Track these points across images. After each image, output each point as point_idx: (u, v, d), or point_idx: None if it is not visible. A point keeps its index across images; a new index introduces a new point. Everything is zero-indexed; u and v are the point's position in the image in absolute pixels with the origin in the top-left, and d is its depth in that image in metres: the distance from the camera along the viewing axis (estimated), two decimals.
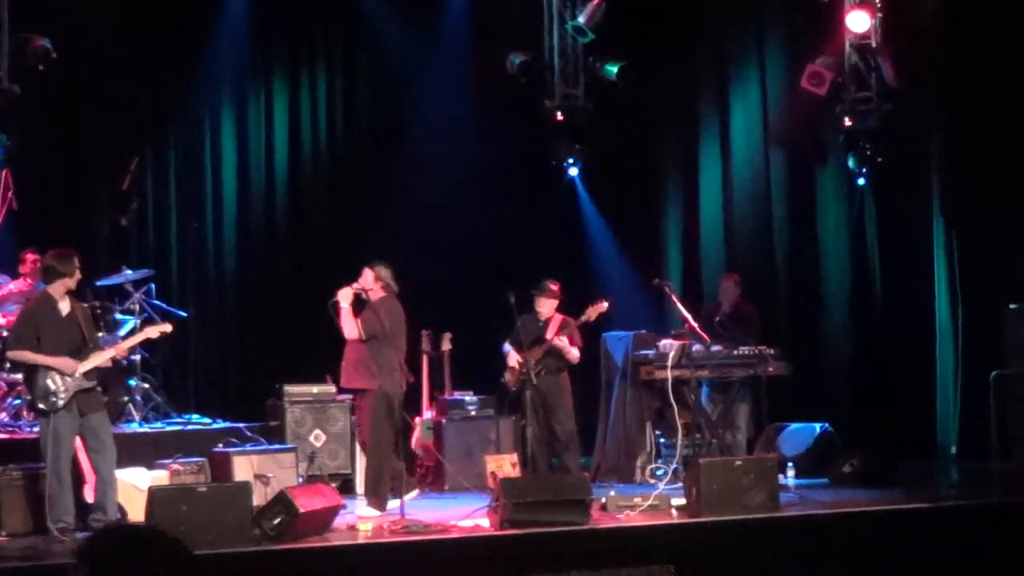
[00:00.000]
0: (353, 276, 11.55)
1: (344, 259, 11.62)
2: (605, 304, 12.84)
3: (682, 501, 10.84)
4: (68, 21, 13.79)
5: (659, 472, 13.06)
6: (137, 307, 13.27)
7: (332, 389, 12.62)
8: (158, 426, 12.91)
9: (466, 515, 10.52)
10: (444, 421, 13.66)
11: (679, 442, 12.82)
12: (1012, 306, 13.11)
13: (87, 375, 10.09)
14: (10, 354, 10.37)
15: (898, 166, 14.87)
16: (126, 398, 12.99)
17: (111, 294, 13.39)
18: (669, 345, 13.16)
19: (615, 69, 15.42)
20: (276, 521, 9.71)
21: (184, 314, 13.98)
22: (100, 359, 10.24)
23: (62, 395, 9.93)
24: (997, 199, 14.01)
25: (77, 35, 13.83)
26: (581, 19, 15.24)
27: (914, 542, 10.26)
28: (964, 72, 14.24)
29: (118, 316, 13.15)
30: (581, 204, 16.52)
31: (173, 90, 15.23)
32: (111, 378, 12.05)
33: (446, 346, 14.12)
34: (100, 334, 11.43)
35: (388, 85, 16.30)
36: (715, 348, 13.27)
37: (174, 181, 15.46)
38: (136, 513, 10.07)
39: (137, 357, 13.09)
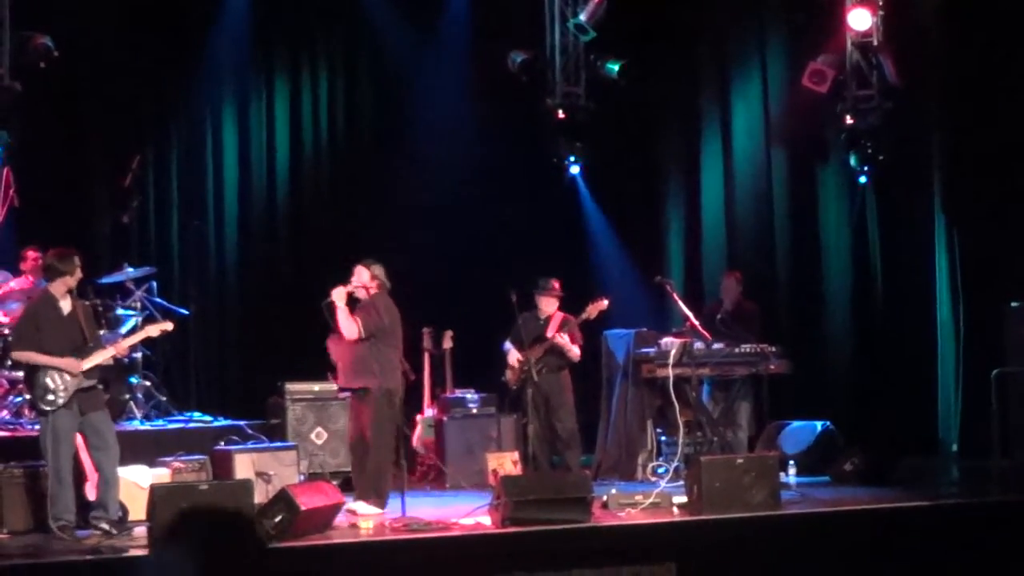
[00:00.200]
0: None
1: (345, 257, 11.60)
2: (605, 302, 12.84)
3: (683, 499, 10.84)
4: (69, 19, 13.80)
5: (660, 470, 13.06)
6: (139, 305, 13.27)
7: (333, 387, 12.59)
8: (159, 424, 12.92)
9: (467, 513, 10.52)
10: (445, 419, 13.67)
11: (680, 440, 12.82)
12: (1013, 304, 13.11)
13: (88, 373, 10.09)
14: (14, 354, 10.37)
15: (899, 164, 14.87)
16: (127, 396, 12.99)
17: (113, 292, 13.39)
18: (670, 343, 13.16)
19: (616, 67, 15.42)
20: (277, 519, 9.70)
21: (185, 312, 13.99)
22: (101, 357, 10.24)
23: (62, 394, 9.93)
24: (998, 197, 14.01)
25: (78, 33, 13.84)
26: (582, 17, 15.24)
27: (915, 540, 10.25)
28: (965, 70, 14.23)
29: (119, 313, 13.15)
30: (582, 202, 16.51)
31: (174, 88, 15.23)
32: (112, 376, 12.07)
33: (447, 344, 14.13)
34: (102, 332, 11.44)
35: (389, 83, 16.29)
36: (716, 346, 13.26)
37: (175, 179, 15.47)
38: (138, 511, 10.06)
39: (139, 355, 13.09)
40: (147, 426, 12.76)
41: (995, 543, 10.22)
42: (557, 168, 16.04)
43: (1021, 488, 11.71)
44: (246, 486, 10.00)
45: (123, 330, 12.82)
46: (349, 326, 11.15)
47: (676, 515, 10.69)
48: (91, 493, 10.22)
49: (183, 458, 11.54)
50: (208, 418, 13.27)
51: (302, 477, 12.00)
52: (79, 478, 10.25)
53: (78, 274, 10.30)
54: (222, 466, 11.71)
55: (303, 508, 9.73)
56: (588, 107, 15.75)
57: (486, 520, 10.28)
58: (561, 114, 15.71)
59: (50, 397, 9.92)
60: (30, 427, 11.71)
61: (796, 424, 13.53)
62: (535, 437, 12.47)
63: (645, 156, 16.55)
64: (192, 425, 12.95)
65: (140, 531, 9.78)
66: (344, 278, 11.33)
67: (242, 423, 12.73)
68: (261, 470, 11.58)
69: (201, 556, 3.50)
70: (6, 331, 12.45)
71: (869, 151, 14.86)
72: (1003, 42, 13.91)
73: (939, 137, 14.60)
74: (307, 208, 16.01)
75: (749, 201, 15.84)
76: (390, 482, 11.17)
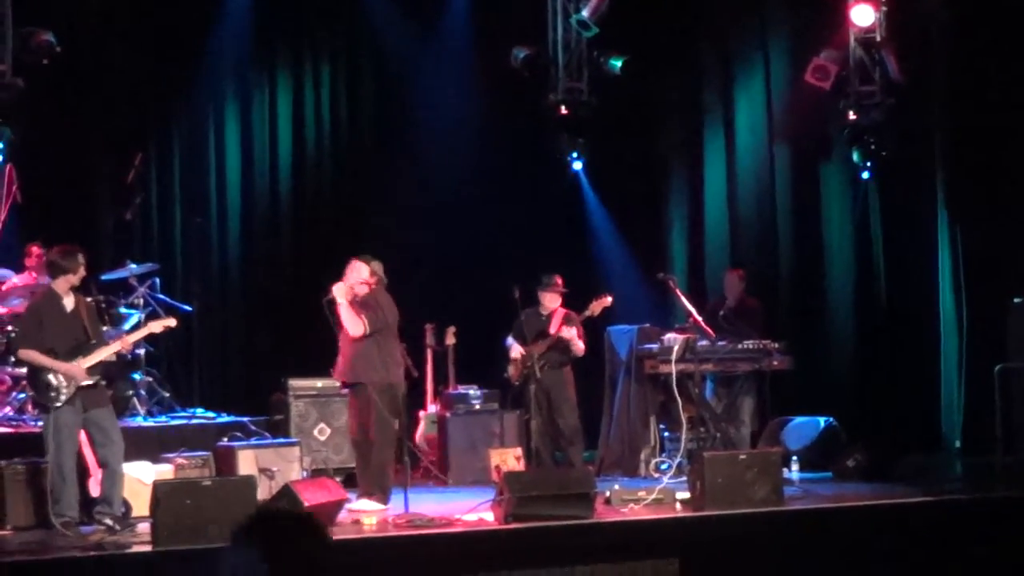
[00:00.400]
0: None
1: (348, 253, 11.59)
2: (609, 298, 12.84)
3: (686, 495, 10.85)
4: (72, 15, 13.82)
5: (663, 466, 13.06)
6: (141, 301, 13.27)
7: (336, 383, 12.62)
8: (163, 420, 12.91)
9: (470, 509, 10.52)
10: (448, 415, 13.67)
11: (683, 436, 12.83)
12: (1016, 300, 13.11)
13: (91, 370, 10.10)
14: (19, 353, 10.34)
15: (902, 160, 14.87)
16: (131, 392, 12.99)
17: (115, 288, 13.40)
18: (673, 339, 13.15)
19: (619, 63, 15.41)
20: None
21: (188, 308, 13.99)
22: (104, 354, 10.24)
23: (64, 391, 9.94)
24: (1001, 193, 14.01)
25: (81, 30, 13.85)
26: (585, 13, 15.22)
27: (918, 536, 10.26)
28: (968, 66, 14.23)
29: (122, 310, 13.15)
30: (585, 198, 16.51)
31: (177, 85, 15.23)
32: (116, 372, 12.07)
33: (450, 340, 14.12)
34: (105, 328, 11.43)
35: (391, 79, 16.29)
36: (719, 342, 13.27)
37: (178, 175, 15.48)
38: (141, 507, 10.07)
39: (142, 351, 13.09)
40: (150, 422, 12.76)
41: (998, 539, 10.22)
42: (559, 164, 16.04)
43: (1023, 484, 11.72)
44: (249, 482, 10.02)
45: (126, 326, 12.81)
46: (355, 323, 11.12)
47: (679, 511, 10.70)
48: (94, 489, 10.22)
49: (186, 454, 11.55)
50: (211, 414, 13.27)
51: (305, 473, 11.99)
52: (82, 474, 10.25)
53: (82, 272, 10.31)
54: (225, 462, 11.71)
55: (306, 504, 9.74)
56: (591, 103, 15.74)
57: (489, 516, 10.28)
58: (564, 110, 15.70)
59: (53, 394, 9.92)
60: (33, 423, 11.72)
61: (799, 420, 13.53)
62: (538, 433, 12.48)
63: (648, 152, 16.54)
64: (195, 421, 12.94)
65: (143, 527, 9.79)
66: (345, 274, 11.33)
67: (245, 419, 12.73)
68: (264, 466, 11.57)
69: (272, 555, 3.48)
70: (8, 327, 12.46)
71: (872, 147, 14.85)
72: (1006, 37, 13.90)
73: (942, 133, 14.59)
74: (309, 204, 16.01)
75: (752, 197, 15.84)
76: (393, 478, 11.18)
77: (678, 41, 16.08)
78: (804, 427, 13.47)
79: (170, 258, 15.05)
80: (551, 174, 16.07)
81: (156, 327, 10.96)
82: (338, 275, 11.34)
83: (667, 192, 16.61)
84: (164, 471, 11.07)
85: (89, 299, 10.91)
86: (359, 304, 11.20)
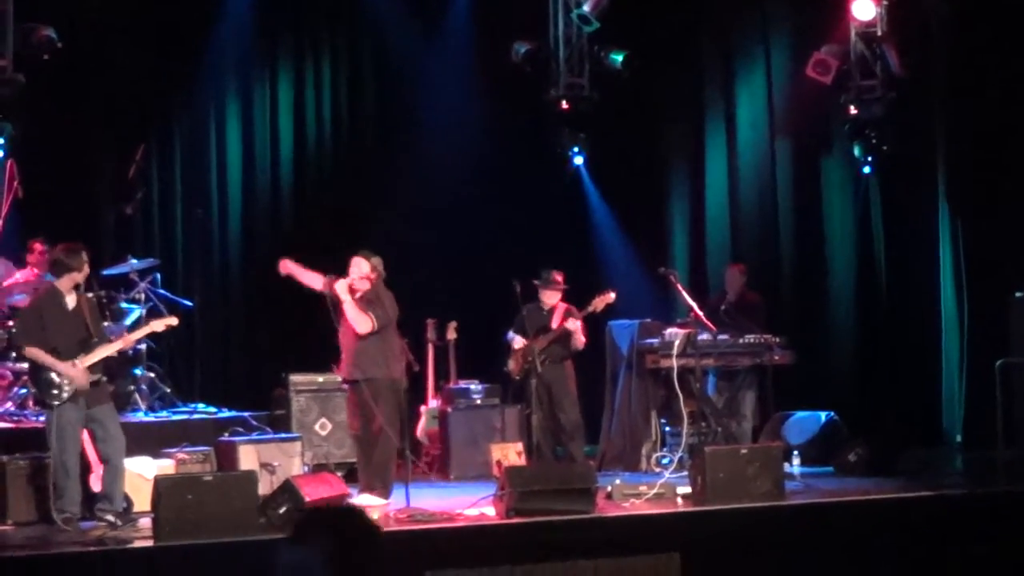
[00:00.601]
0: None
1: (349, 248, 11.59)
2: (612, 295, 12.84)
3: (687, 489, 10.85)
4: (73, 11, 13.81)
5: (664, 460, 13.07)
6: (143, 296, 13.28)
7: (337, 378, 12.62)
8: (164, 415, 12.92)
9: (472, 504, 10.52)
10: (449, 410, 13.67)
11: (684, 430, 12.83)
12: (1018, 294, 13.11)
13: (92, 368, 10.10)
14: (26, 351, 10.31)
15: (903, 154, 14.86)
16: (132, 387, 13.00)
17: (117, 284, 13.39)
18: (674, 334, 13.16)
19: (620, 58, 15.41)
20: (282, 510, 9.73)
21: (189, 303, 14.00)
22: (106, 352, 10.24)
23: (66, 388, 9.94)
24: (1002, 187, 14.00)
25: (82, 25, 13.84)
26: (586, 8, 15.22)
27: (919, 531, 10.25)
28: (969, 60, 14.22)
29: (123, 305, 13.15)
30: (586, 193, 16.51)
31: (178, 80, 15.23)
32: (117, 367, 12.06)
33: (451, 335, 14.13)
34: (106, 323, 11.43)
35: (392, 74, 16.30)
36: (721, 337, 13.27)
37: (179, 170, 15.48)
38: (142, 503, 10.07)
39: (143, 346, 13.08)
40: (151, 417, 12.77)
41: (999, 533, 10.22)
42: (561, 159, 16.04)
43: None
44: (250, 477, 10.03)
45: (127, 322, 12.82)
46: (362, 320, 11.09)
47: (680, 506, 10.71)
48: (96, 485, 10.23)
49: (187, 449, 11.55)
50: (212, 409, 13.27)
51: (306, 468, 12.01)
52: (84, 470, 10.26)
53: (86, 270, 10.32)
54: (226, 457, 11.72)
55: (307, 499, 9.75)
56: (592, 98, 15.74)
57: (490, 511, 10.29)
58: (565, 105, 15.70)
59: (55, 392, 9.92)
60: (35, 419, 11.71)
61: (800, 415, 13.54)
62: (539, 428, 12.49)
63: (649, 147, 16.54)
64: (196, 416, 12.95)
65: (144, 522, 9.80)
66: (346, 270, 11.32)
67: (246, 414, 12.73)
68: (265, 461, 11.58)
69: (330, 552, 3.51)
70: (10, 322, 12.46)
71: (873, 141, 14.84)
72: (1007, 31, 13.89)
73: (943, 127, 14.58)
74: (310, 200, 16.01)
75: (753, 192, 15.84)
76: (395, 473, 11.18)
77: (679, 36, 16.07)
78: (805, 422, 13.47)
79: (171, 253, 15.06)
80: (552, 169, 16.07)
81: (158, 326, 10.96)
82: (339, 271, 11.33)
83: (668, 187, 16.61)
84: (165, 466, 11.07)
85: (90, 295, 10.91)
86: (363, 301, 11.19)
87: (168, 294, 13.63)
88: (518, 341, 12.79)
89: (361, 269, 11.23)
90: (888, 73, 14.77)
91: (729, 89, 16.08)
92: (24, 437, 11.21)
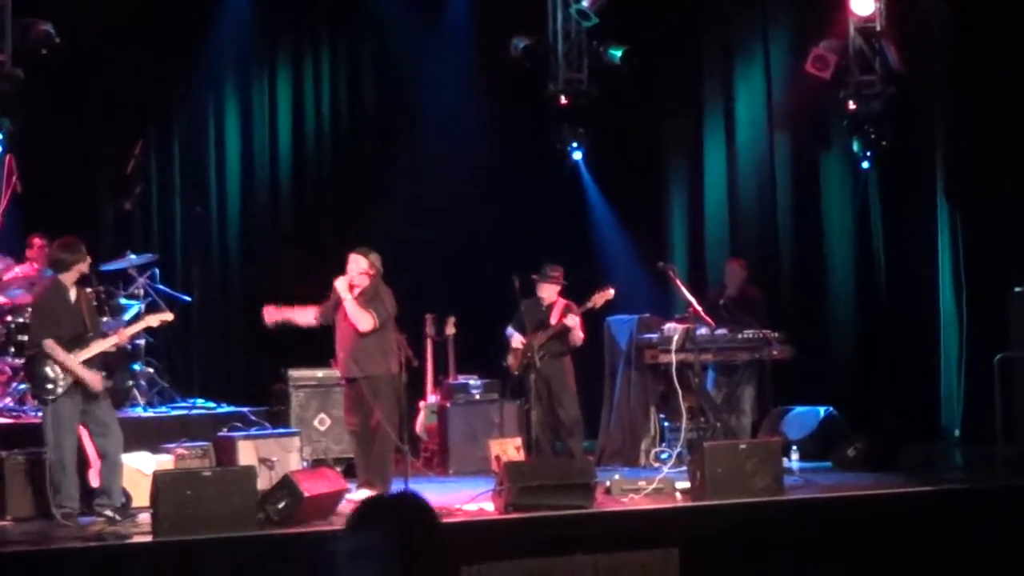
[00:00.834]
0: None
1: (348, 244, 11.59)
2: (611, 291, 12.83)
3: (686, 485, 10.86)
4: (71, 6, 13.79)
5: (663, 456, 13.06)
6: (141, 292, 13.27)
7: (336, 373, 12.63)
8: (162, 410, 12.91)
9: (471, 499, 10.53)
10: (448, 405, 13.67)
11: (683, 426, 12.84)
12: (1017, 289, 13.11)
13: (89, 363, 10.10)
14: (46, 346, 10.23)
15: (902, 150, 14.86)
16: (130, 382, 12.99)
17: (115, 279, 13.39)
18: (673, 329, 13.16)
19: (619, 53, 15.40)
20: (281, 505, 9.73)
21: (188, 299, 13.99)
22: (102, 347, 10.25)
23: (61, 383, 9.94)
24: (1001, 182, 14.00)
25: (80, 20, 13.82)
26: (585, 3, 15.21)
27: (918, 526, 10.26)
28: (968, 55, 14.21)
29: (122, 301, 13.14)
30: (585, 188, 16.50)
31: (177, 75, 15.21)
32: (115, 362, 12.07)
33: (450, 330, 14.12)
34: (104, 319, 11.43)
35: (391, 69, 16.27)
36: (719, 332, 13.27)
37: (178, 165, 15.47)
38: (141, 498, 10.08)
39: (142, 342, 13.07)
40: (150, 413, 12.76)
41: (998, 528, 10.22)
42: (560, 155, 16.04)
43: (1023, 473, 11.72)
44: (249, 473, 10.03)
45: (126, 317, 12.82)
46: (364, 317, 11.09)
47: (679, 501, 10.72)
48: (94, 480, 10.23)
49: (186, 445, 11.55)
50: (211, 405, 13.26)
51: (305, 463, 12.01)
52: (82, 465, 10.26)
53: (88, 259, 10.34)
54: (225, 453, 11.71)
55: (306, 494, 9.75)
56: (591, 93, 15.73)
57: (489, 506, 10.29)
58: (564, 100, 15.70)
59: (49, 387, 9.93)
60: (33, 414, 11.71)
61: (799, 410, 13.53)
62: (538, 423, 12.48)
63: (648, 142, 16.52)
64: (195, 412, 12.94)
65: (143, 517, 9.81)
66: (344, 267, 11.32)
67: (245, 410, 12.72)
68: (264, 456, 11.58)
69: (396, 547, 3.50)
70: (8, 317, 12.46)
71: (872, 137, 14.84)
72: (1006, 26, 13.88)
73: (942, 123, 14.58)
74: (309, 194, 16.00)
75: (752, 187, 15.83)
76: (393, 468, 11.18)
77: (678, 31, 16.05)
78: (804, 417, 13.47)
79: (170, 248, 15.05)
80: (551, 164, 16.07)
81: (153, 321, 10.99)
82: (338, 266, 11.33)
83: (667, 182, 16.60)
84: (164, 461, 11.08)
85: (89, 290, 10.91)
86: (363, 298, 11.19)
87: (167, 289, 13.62)
88: (517, 338, 12.78)
89: (359, 266, 11.24)
90: (887, 68, 14.76)
91: (728, 84, 16.06)
92: (23, 432, 11.21)
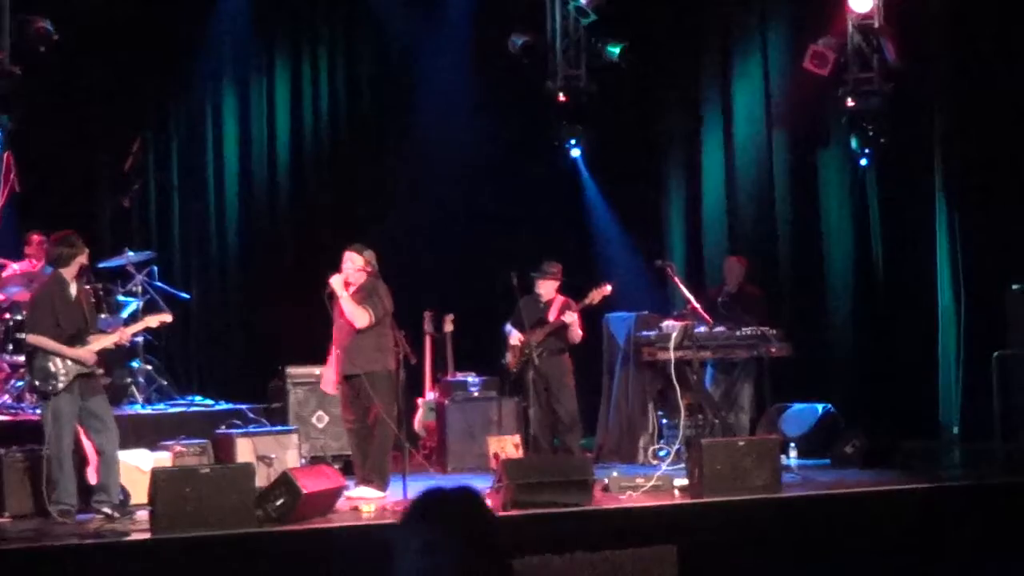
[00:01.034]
0: None
1: (346, 240, 11.59)
2: (608, 287, 12.82)
3: (684, 482, 10.86)
4: (69, 2, 13.78)
5: (662, 453, 13.08)
6: (139, 289, 13.27)
7: None
8: (161, 408, 12.92)
9: None
10: (447, 402, 13.67)
11: (682, 423, 12.84)
12: (1015, 287, 13.11)
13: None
14: (29, 339, 10.28)
15: (900, 147, 14.84)
16: (129, 380, 13.00)
17: (113, 276, 13.40)
18: (671, 326, 13.16)
19: (617, 50, 15.39)
20: (279, 503, 9.73)
21: (186, 296, 14.00)
22: (104, 343, 10.25)
23: (62, 378, 9.94)
24: (999, 179, 13.99)
25: (78, 17, 13.81)
26: (583, 0, 15.22)
27: (916, 522, 10.26)
28: (966, 52, 14.21)
29: (120, 298, 13.15)
30: (583, 185, 16.50)
31: (175, 71, 15.22)
32: (113, 360, 12.07)
33: (448, 327, 14.13)
34: (103, 316, 11.42)
35: (390, 65, 16.28)
36: (718, 329, 13.27)
37: (176, 162, 15.47)
38: (139, 495, 10.08)
39: (140, 339, 13.07)
40: (148, 410, 12.77)
41: (995, 525, 10.22)
42: (558, 151, 16.03)
43: (1022, 470, 11.73)
44: (248, 470, 10.03)
45: (124, 314, 12.82)
46: (360, 314, 11.10)
47: (677, 498, 10.72)
48: (92, 477, 10.23)
49: (184, 442, 11.55)
50: (209, 402, 13.28)
51: (304, 461, 12.01)
52: (80, 462, 10.27)
53: (86, 250, 10.34)
54: (224, 450, 11.72)
55: (305, 492, 9.75)
56: (589, 90, 15.72)
57: (487, 504, 10.27)
58: (562, 97, 15.68)
59: (52, 381, 9.92)
60: (31, 411, 11.72)
61: (797, 407, 13.53)
62: (536, 420, 12.48)
63: (646, 139, 16.53)
64: (193, 409, 12.95)
65: (142, 514, 9.80)
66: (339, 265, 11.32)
67: (243, 407, 12.73)
68: (263, 454, 11.58)
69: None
70: (7, 315, 12.46)
71: (870, 134, 14.81)
72: (1005, 23, 13.88)
73: (940, 119, 14.57)
74: (308, 190, 16.01)
75: (750, 184, 15.83)
76: (391, 465, 11.18)
77: (676, 28, 16.06)
78: (802, 414, 13.47)
79: (168, 245, 15.07)
80: (549, 161, 16.06)
81: (152, 321, 11.01)
82: (336, 262, 11.33)
83: (665, 179, 16.61)
84: (162, 459, 11.08)
85: (87, 287, 10.91)
86: (360, 295, 11.19)
87: (165, 286, 13.63)
88: (515, 335, 12.78)
89: (355, 263, 11.25)
90: (885, 65, 14.74)
91: (726, 81, 16.05)
92: (21, 430, 11.22)
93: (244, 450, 11.65)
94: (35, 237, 13.11)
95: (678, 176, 16.51)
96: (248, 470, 10.03)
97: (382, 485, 11.01)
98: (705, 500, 10.39)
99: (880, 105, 14.76)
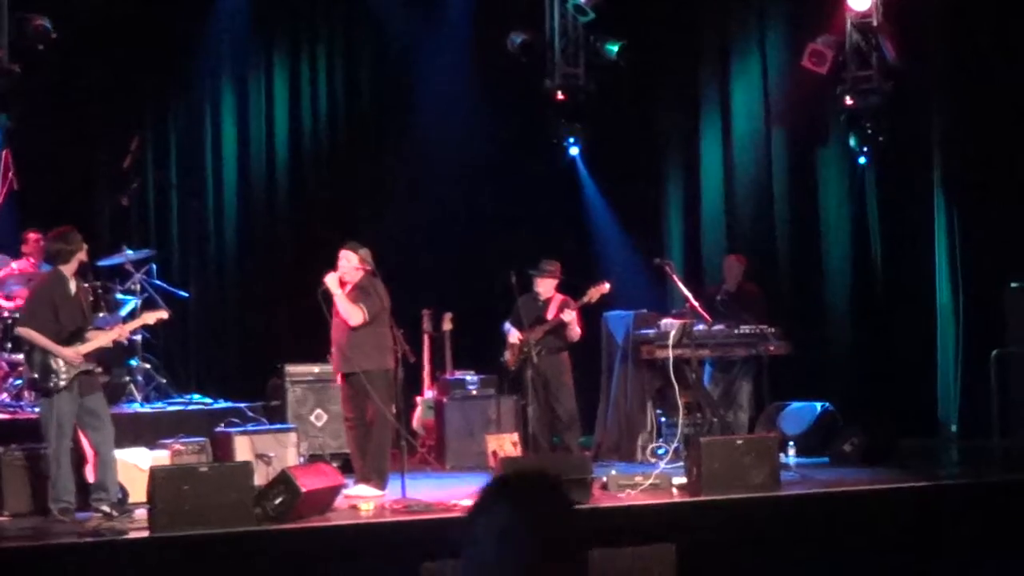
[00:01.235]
0: None
1: (344, 238, 11.59)
2: (607, 285, 12.81)
3: (683, 480, 10.86)
4: (68, 1, 13.77)
5: (660, 451, 13.08)
6: (138, 287, 13.27)
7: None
8: (159, 406, 12.92)
9: (468, 494, 10.52)
10: (445, 400, 13.68)
11: (680, 421, 12.83)
12: (1013, 285, 13.12)
13: (86, 357, 10.09)
14: (20, 331, 10.27)
15: (899, 145, 14.85)
16: (127, 378, 12.99)
17: (112, 274, 13.39)
18: (670, 324, 13.15)
19: (616, 48, 15.40)
20: (278, 501, 9.72)
21: (185, 294, 13.99)
22: (102, 341, 10.24)
23: (63, 375, 9.93)
24: (998, 177, 14.00)
25: (77, 15, 13.81)
26: None
27: (914, 520, 10.26)
28: (965, 50, 14.22)
29: (119, 296, 13.14)
30: (582, 183, 16.51)
31: (174, 70, 15.22)
32: (112, 358, 12.06)
33: (447, 326, 14.13)
34: (101, 314, 11.42)
35: (389, 64, 16.28)
36: (716, 327, 13.26)
37: (175, 161, 15.47)
38: (138, 493, 10.07)
39: (138, 337, 13.08)
40: (147, 408, 12.76)
41: (994, 523, 10.22)
42: (556, 150, 16.03)
43: (1020, 468, 11.73)
44: (246, 468, 10.03)
45: (123, 313, 12.82)
46: (354, 312, 11.11)
47: (676, 496, 10.72)
48: (91, 475, 10.23)
49: (183, 440, 11.54)
50: (208, 400, 13.27)
51: (302, 459, 12.00)
52: (79, 460, 10.26)
53: (85, 247, 10.33)
54: (222, 448, 11.72)
55: (304, 490, 9.75)
56: (588, 88, 15.73)
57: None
58: (561, 95, 15.70)
59: (53, 378, 9.92)
60: (30, 410, 11.71)
61: (796, 405, 13.54)
62: (535, 418, 12.47)
63: (645, 137, 16.52)
64: (192, 407, 12.95)
65: (140, 513, 9.80)
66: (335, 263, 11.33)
67: (242, 405, 12.73)
68: (261, 452, 11.58)
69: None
70: (6, 314, 12.45)
71: (869, 132, 14.83)
72: (1003, 20, 13.88)
73: (939, 118, 14.58)
74: (306, 189, 16.01)
75: (749, 182, 15.83)
76: (390, 463, 11.18)
77: (675, 27, 16.05)
78: (801, 412, 13.47)
79: (167, 244, 15.06)
80: (548, 160, 16.07)
81: (150, 319, 11.01)
82: (335, 261, 11.33)
83: (664, 177, 16.60)
84: (161, 457, 11.07)
85: (86, 285, 10.90)
86: (355, 293, 11.19)
87: (164, 284, 13.63)
88: (514, 333, 12.78)
89: (350, 261, 11.26)
90: (884, 64, 14.75)
91: (725, 79, 16.06)
92: (20, 428, 11.20)
93: (243, 448, 11.64)
94: (32, 235, 13.10)
95: (677, 174, 16.51)
96: (247, 468, 10.02)
97: (381, 483, 11.01)
98: (704, 498, 10.39)
99: (879, 103, 14.77)
